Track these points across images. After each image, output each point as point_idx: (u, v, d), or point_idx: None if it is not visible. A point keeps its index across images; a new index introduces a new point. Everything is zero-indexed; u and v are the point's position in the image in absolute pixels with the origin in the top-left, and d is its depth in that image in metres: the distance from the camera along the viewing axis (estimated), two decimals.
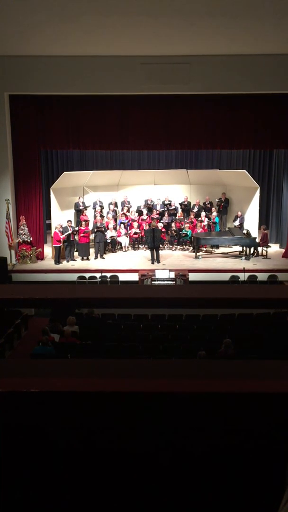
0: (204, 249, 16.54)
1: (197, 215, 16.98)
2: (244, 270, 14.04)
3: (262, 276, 14.22)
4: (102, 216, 16.26)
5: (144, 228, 16.39)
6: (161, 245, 15.79)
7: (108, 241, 16.20)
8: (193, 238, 16.08)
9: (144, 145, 16.03)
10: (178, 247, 16.87)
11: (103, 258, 15.69)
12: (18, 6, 9.71)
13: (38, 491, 2.21)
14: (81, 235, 15.36)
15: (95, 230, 15.58)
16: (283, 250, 16.22)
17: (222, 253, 16.30)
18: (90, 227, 15.95)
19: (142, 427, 2.16)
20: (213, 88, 14.34)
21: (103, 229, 15.63)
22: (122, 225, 16.60)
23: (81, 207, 16.58)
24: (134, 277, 14.04)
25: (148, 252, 15.70)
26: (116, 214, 17.35)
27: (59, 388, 2.16)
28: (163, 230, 16.25)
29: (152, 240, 14.97)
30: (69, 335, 9.19)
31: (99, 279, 13.94)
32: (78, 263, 15.42)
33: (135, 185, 18.05)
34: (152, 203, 17.40)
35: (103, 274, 14.14)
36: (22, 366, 2.56)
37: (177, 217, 16.88)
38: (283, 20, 10.64)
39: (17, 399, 2.14)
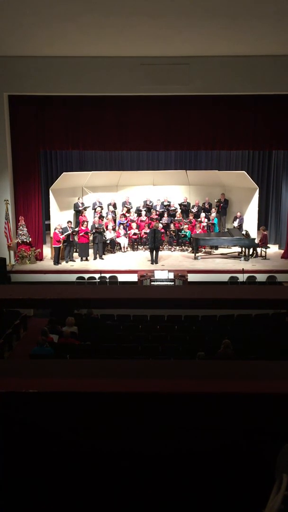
0: (203, 249, 16.55)
1: (196, 215, 16.99)
2: (243, 271, 14.04)
3: (261, 277, 14.22)
4: (101, 217, 16.26)
5: (144, 229, 16.42)
6: (160, 246, 15.79)
7: (108, 242, 16.21)
8: (192, 238, 16.08)
9: (143, 145, 16.03)
10: (177, 247, 16.88)
11: (102, 258, 15.69)
12: (17, 6, 9.71)
13: (39, 491, 2.21)
14: (81, 234, 15.37)
15: (94, 231, 15.59)
16: (282, 251, 16.23)
17: (221, 254, 16.30)
18: (89, 227, 15.96)
19: (141, 427, 2.16)
20: (212, 89, 14.36)
21: (101, 230, 15.64)
22: (121, 226, 16.61)
23: (80, 208, 16.58)
24: (133, 277, 14.04)
25: (147, 252, 15.72)
26: (115, 215, 17.36)
27: (58, 388, 2.16)
28: (162, 230, 16.26)
29: (153, 241, 14.98)
30: (68, 336, 9.18)
31: (98, 280, 13.93)
32: (77, 263, 15.41)
33: (134, 186, 18.05)
34: (151, 204, 17.41)
35: (102, 274, 14.14)
36: (21, 366, 2.56)
37: (175, 218, 16.89)
38: (282, 21, 10.65)
39: (16, 399, 2.14)
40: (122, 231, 16.49)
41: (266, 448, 2.00)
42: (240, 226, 16.75)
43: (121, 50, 13.23)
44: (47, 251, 16.28)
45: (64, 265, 15.27)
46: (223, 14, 10.19)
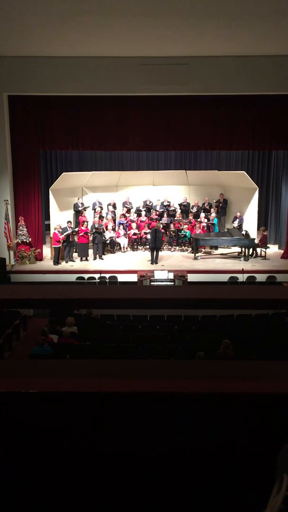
0: (203, 250, 16.55)
1: (196, 216, 16.99)
2: (243, 271, 14.04)
3: (260, 277, 14.22)
4: (101, 217, 16.27)
5: (144, 229, 16.42)
6: (160, 246, 15.77)
7: (107, 242, 16.21)
8: (192, 239, 16.08)
9: (143, 145, 16.02)
10: (177, 248, 16.89)
11: (102, 259, 15.69)
12: (18, 6, 9.71)
13: (39, 490, 2.21)
14: (80, 234, 15.37)
15: (94, 231, 15.59)
16: (282, 251, 16.23)
17: (221, 254, 16.30)
18: (89, 228, 15.96)
19: (141, 427, 2.16)
20: (212, 89, 14.36)
21: (101, 230, 15.65)
22: (121, 226, 16.61)
23: (80, 208, 16.59)
24: (133, 278, 14.03)
25: (147, 252, 15.72)
26: (115, 215, 17.37)
27: (58, 388, 2.16)
28: (163, 231, 16.26)
29: (154, 241, 14.99)
30: (68, 336, 9.18)
31: (98, 280, 13.93)
32: (77, 263, 15.41)
33: (134, 186, 18.05)
34: (151, 204, 17.42)
35: (102, 275, 14.14)
36: (21, 366, 2.56)
37: (175, 218, 16.90)
38: (282, 21, 10.65)
39: (16, 399, 2.14)
40: (122, 231, 16.49)
41: (266, 448, 2.00)
42: (240, 226, 16.75)
43: (121, 50, 13.23)
44: (47, 251, 16.28)
45: (64, 265, 15.27)
46: (223, 14, 10.19)
